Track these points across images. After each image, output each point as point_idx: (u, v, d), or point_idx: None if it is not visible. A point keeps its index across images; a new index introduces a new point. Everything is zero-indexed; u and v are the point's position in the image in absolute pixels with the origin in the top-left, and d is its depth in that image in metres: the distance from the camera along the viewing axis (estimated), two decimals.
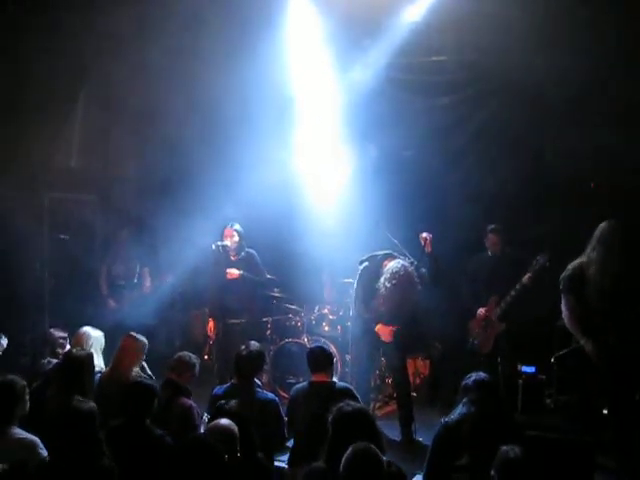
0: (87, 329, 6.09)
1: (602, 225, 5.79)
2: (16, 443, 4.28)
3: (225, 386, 5.56)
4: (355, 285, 7.14)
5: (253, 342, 5.69)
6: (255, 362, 5.51)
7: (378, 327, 6.87)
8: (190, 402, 5.34)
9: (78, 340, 5.97)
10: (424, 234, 6.89)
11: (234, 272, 7.58)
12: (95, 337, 6.05)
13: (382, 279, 6.64)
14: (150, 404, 4.69)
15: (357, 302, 7.10)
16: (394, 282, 6.53)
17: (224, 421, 4.14)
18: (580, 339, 5.85)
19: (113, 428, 4.54)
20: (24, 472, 3.99)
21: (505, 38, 7.39)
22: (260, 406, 5.22)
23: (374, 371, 7.71)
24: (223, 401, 4.58)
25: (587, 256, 5.80)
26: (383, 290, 6.62)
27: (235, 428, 4.11)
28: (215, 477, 3.66)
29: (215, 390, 5.57)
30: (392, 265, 6.66)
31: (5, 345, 6.11)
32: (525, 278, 6.89)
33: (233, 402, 4.51)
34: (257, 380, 5.59)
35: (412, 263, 6.76)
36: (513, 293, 6.97)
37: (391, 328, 6.85)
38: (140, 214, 8.99)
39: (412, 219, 7.90)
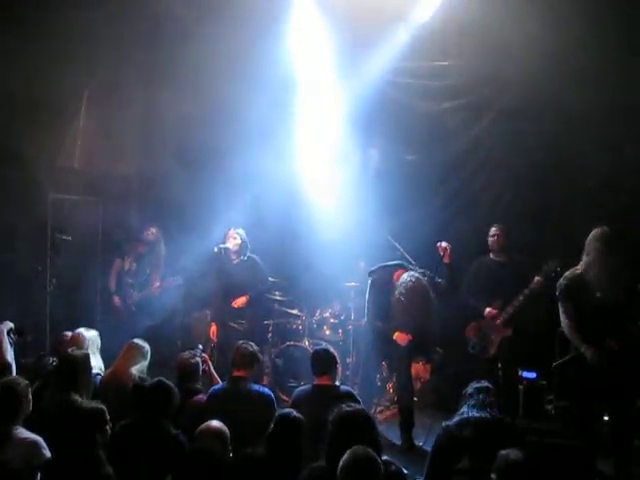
0: (81, 330, 6.09)
1: (595, 232, 5.87)
2: (20, 443, 4.28)
3: (219, 385, 5.62)
4: (367, 296, 7.16)
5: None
6: (249, 356, 5.56)
7: (396, 335, 6.89)
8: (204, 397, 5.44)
9: (74, 342, 5.97)
10: (443, 244, 6.89)
11: (241, 300, 7.74)
12: (89, 337, 6.05)
13: (397, 293, 6.68)
14: (170, 404, 4.77)
15: (369, 313, 7.12)
16: (410, 296, 6.57)
17: (215, 423, 4.24)
18: (580, 347, 5.88)
19: (125, 426, 4.58)
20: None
21: (508, 43, 7.42)
22: (254, 400, 5.24)
23: (376, 376, 7.73)
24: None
25: (584, 263, 5.87)
26: (399, 304, 6.65)
27: (225, 429, 4.17)
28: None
29: (210, 390, 5.58)
30: (406, 278, 6.68)
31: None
32: (534, 283, 6.81)
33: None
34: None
35: (424, 274, 6.77)
36: (521, 298, 6.89)
37: (407, 335, 6.87)
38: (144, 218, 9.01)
39: (414, 224, 7.92)
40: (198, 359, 5.85)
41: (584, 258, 5.90)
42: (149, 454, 4.37)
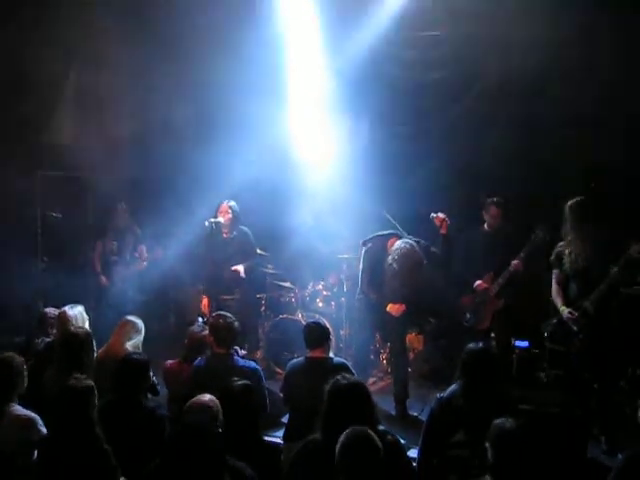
0: (65, 309, 6.03)
1: (567, 204, 5.97)
2: (16, 420, 4.28)
3: (203, 358, 5.58)
4: (360, 265, 7.15)
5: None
6: (233, 331, 5.57)
7: (390, 307, 6.87)
8: None
9: (62, 321, 5.93)
10: (440, 215, 6.86)
11: (239, 269, 7.63)
12: (74, 315, 5.99)
13: (389, 259, 6.66)
14: (143, 378, 4.74)
15: (364, 283, 7.12)
16: (402, 262, 6.55)
17: (206, 396, 4.22)
18: (559, 307, 6.04)
19: (106, 403, 4.54)
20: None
21: (501, 13, 7.36)
22: (240, 375, 5.14)
23: (370, 348, 7.75)
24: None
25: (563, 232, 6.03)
26: (390, 270, 6.64)
27: (216, 403, 4.16)
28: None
29: (196, 362, 5.58)
30: (399, 244, 6.68)
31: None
32: (513, 265, 6.84)
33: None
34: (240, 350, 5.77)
35: (418, 242, 6.77)
36: (511, 269, 6.90)
37: (400, 305, 6.86)
38: (136, 192, 8.96)
39: (406, 194, 7.90)
40: (206, 332, 5.85)
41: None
42: (129, 431, 4.37)
